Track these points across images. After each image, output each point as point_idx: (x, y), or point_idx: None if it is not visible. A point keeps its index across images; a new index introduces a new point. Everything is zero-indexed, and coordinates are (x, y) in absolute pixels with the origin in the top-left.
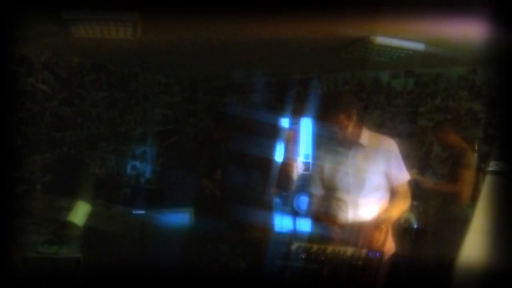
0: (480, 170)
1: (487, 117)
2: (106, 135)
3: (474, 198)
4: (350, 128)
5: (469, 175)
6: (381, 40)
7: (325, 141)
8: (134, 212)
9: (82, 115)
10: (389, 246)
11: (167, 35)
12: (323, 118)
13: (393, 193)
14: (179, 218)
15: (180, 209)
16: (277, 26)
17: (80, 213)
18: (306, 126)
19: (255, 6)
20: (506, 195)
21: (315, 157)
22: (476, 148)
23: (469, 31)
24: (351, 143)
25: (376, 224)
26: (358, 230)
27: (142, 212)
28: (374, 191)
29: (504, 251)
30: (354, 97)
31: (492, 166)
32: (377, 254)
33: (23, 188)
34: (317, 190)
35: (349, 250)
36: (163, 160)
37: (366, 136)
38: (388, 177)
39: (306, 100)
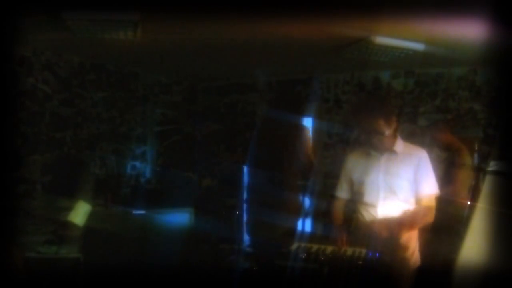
0: (480, 170)
1: (487, 117)
2: (106, 135)
3: (474, 198)
4: (388, 135)
5: (465, 175)
6: (381, 40)
7: (358, 144)
8: (134, 212)
9: (82, 115)
10: (415, 255)
11: (167, 35)
12: (362, 121)
13: (419, 204)
14: (179, 218)
15: (180, 209)
16: (277, 26)
17: (80, 213)
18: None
19: (255, 6)
20: (506, 195)
21: (346, 159)
22: (476, 148)
23: (469, 31)
24: (385, 149)
25: (400, 231)
26: (381, 235)
27: (142, 212)
28: (401, 199)
29: (504, 251)
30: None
31: (492, 166)
32: (377, 255)
33: (23, 188)
34: (344, 194)
35: (349, 250)
36: (163, 160)
37: (400, 143)
38: (416, 187)
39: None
